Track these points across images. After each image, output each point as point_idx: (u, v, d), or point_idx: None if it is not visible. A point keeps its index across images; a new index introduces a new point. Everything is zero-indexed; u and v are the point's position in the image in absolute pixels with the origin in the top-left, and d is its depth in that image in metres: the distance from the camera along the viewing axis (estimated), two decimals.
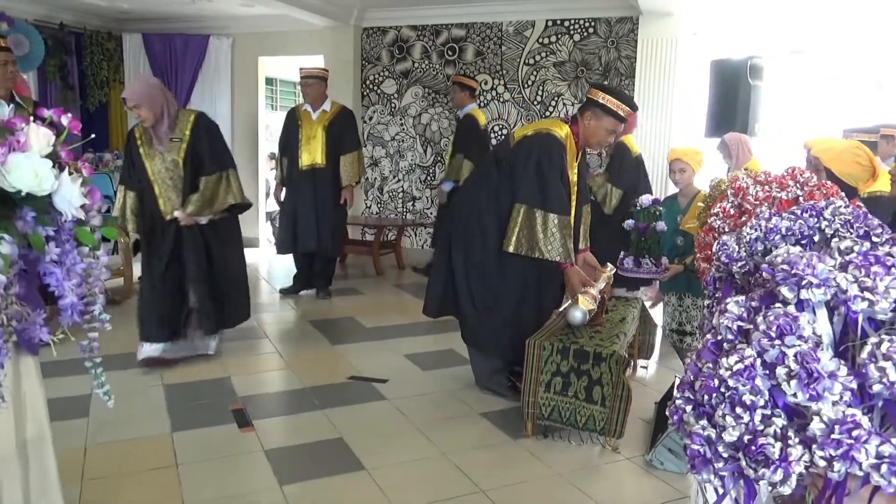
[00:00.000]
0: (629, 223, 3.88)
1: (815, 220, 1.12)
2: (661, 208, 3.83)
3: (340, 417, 3.45)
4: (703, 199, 2.83)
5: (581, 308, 3.31)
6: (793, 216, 1.11)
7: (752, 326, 0.80)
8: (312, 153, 5.65)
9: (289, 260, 6.17)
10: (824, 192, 1.23)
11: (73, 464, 2.88)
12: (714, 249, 1.25)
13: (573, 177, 3.53)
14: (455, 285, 3.65)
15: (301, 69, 5.76)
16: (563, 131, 3.46)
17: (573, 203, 3.55)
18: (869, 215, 1.10)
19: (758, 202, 1.30)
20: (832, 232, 1.08)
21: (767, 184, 1.29)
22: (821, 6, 5.77)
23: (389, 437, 3.26)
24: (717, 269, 1.25)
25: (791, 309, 0.76)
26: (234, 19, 8.05)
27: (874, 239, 1.00)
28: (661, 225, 3.77)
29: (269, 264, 7.27)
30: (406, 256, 7.63)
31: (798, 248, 0.86)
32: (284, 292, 5.96)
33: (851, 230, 1.07)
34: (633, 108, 3.47)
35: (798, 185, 1.26)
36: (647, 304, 3.35)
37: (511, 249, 3.40)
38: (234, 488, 2.75)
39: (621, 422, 3.10)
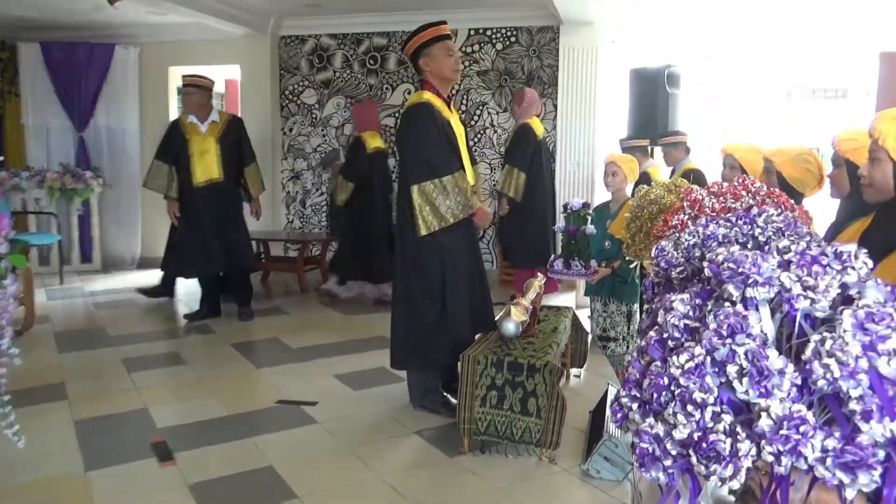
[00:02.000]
0: (559, 226, 3.98)
1: (749, 227, 1.17)
2: (590, 212, 3.94)
3: (269, 444, 3.35)
4: (629, 208, 2.92)
5: (513, 319, 3.35)
6: (728, 223, 1.15)
7: (699, 324, 0.82)
8: (207, 168, 5.38)
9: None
10: (775, 200, 1.29)
11: None
12: (653, 254, 1.28)
13: (457, 128, 3.64)
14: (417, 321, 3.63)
15: (184, 76, 5.51)
16: (422, 96, 3.58)
17: (464, 154, 3.64)
18: (799, 223, 1.16)
19: (714, 213, 1.35)
20: (765, 239, 1.13)
21: (722, 195, 1.34)
22: (734, 16, 6.09)
23: (322, 462, 3.19)
24: (655, 275, 1.29)
25: (740, 308, 0.78)
26: (142, 27, 7.79)
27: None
28: (591, 228, 3.87)
29: (185, 286, 7.02)
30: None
31: (738, 248, 0.89)
32: (190, 318, 5.66)
33: (782, 237, 1.13)
34: (440, 22, 3.61)
35: (750, 194, 1.32)
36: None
37: (424, 232, 3.46)
38: None
39: (557, 433, 3.14)
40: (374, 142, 6.20)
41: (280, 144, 7.93)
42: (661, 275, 1.27)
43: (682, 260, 1.21)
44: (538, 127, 5.80)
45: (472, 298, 3.68)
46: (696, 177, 4.72)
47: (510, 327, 3.31)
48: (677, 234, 1.34)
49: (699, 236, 1.20)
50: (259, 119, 7.71)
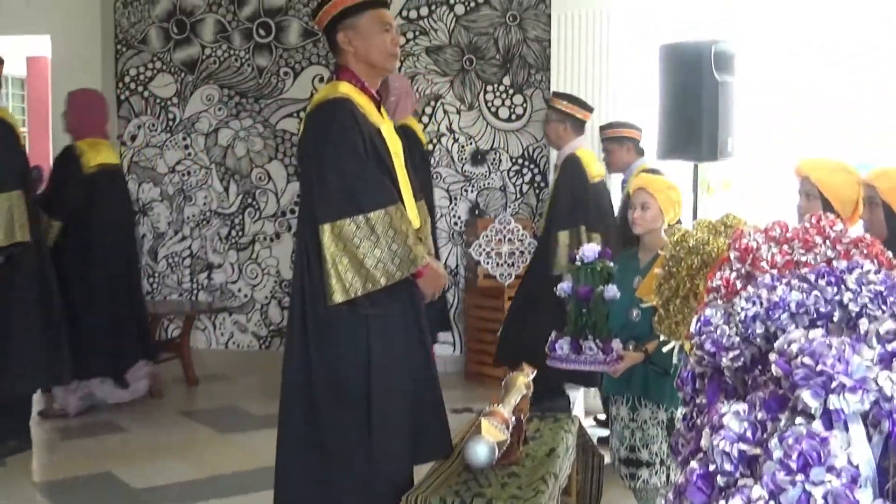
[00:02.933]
0: (565, 287, 3.94)
1: (835, 289, 1.20)
2: (611, 265, 3.92)
3: None
4: (662, 262, 2.96)
5: (486, 440, 3.33)
6: (806, 284, 1.18)
7: (760, 451, 0.84)
8: None
9: None
10: (864, 251, 1.32)
11: None
12: (692, 330, 1.31)
13: (392, 142, 3.70)
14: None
15: None
16: (338, 88, 3.62)
17: (402, 182, 3.69)
18: None
19: (776, 269, 1.37)
20: (858, 308, 1.16)
21: (786, 242, 1.36)
22: None
23: None
24: (698, 362, 1.31)
25: (817, 426, 0.81)
26: None
27: None
28: (612, 290, 3.85)
29: None
30: (199, 363, 7.45)
31: (821, 332, 0.93)
32: None
33: (884, 306, 1.16)
34: None
35: (828, 242, 1.35)
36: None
37: (339, 298, 3.43)
38: None
39: None
40: (96, 155, 6.10)
41: (122, 157, 7.88)
42: (705, 362, 1.29)
43: (737, 340, 1.24)
44: (418, 130, 6.10)
45: (415, 406, 3.65)
46: None
47: (482, 452, 3.29)
48: (726, 299, 1.37)
49: (761, 304, 1.23)
50: None
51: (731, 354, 1.24)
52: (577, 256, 3.99)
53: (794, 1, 6.71)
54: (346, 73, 3.64)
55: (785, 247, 1.36)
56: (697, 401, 1.35)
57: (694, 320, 1.32)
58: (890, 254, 1.38)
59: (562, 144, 5.92)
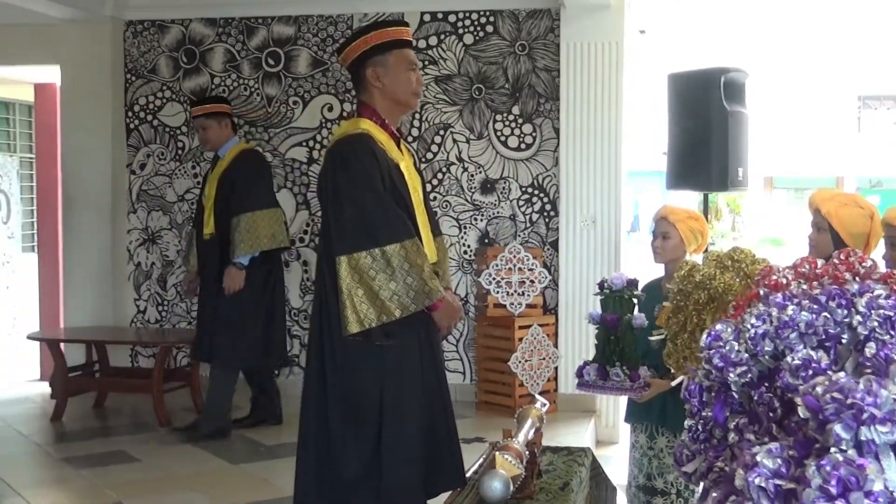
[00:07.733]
0: (594, 314, 3.97)
1: (845, 312, 1.27)
2: (638, 293, 3.94)
3: None
4: (674, 294, 3.00)
5: (500, 474, 3.34)
6: (816, 305, 1.25)
7: (796, 485, 0.90)
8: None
9: None
10: (894, 286, 1.38)
11: None
12: (702, 344, 1.37)
13: (411, 178, 3.79)
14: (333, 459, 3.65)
15: None
16: (359, 125, 3.72)
17: (420, 217, 3.76)
18: None
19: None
20: (867, 332, 1.22)
21: (816, 278, 1.42)
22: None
23: None
24: (706, 376, 1.37)
25: (852, 454, 0.87)
26: None
27: None
28: (640, 318, 3.87)
29: None
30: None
31: (843, 375, 0.99)
32: None
33: (892, 331, 1.22)
34: (400, 22, 4.06)
35: (857, 278, 1.40)
36: None
37: (355, 329, 3.49)
38: None
39: None
40: None
41: (126, 189, 7.95)
42: (713, 376, 1.35)
43: (745, 356, 1.30)
44: None
45: (428, 438, 3.69)
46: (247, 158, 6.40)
47: (497, 488, 3.30)
48: (740, 318, 1.43)
49: (771, 322, 1.29)
50: (90, 148, 7.75)
51: (738, 370, 1.30)
52: (605, 285, 4.02)
53: (811, 27, 6.78)
54: (367, 110, 3.75)
55: (815, 283, 1.42)
56: (703, 413, 1.42)
57: (705, 335, 1.38)
58: None
59: (222, 142, 6.50)
